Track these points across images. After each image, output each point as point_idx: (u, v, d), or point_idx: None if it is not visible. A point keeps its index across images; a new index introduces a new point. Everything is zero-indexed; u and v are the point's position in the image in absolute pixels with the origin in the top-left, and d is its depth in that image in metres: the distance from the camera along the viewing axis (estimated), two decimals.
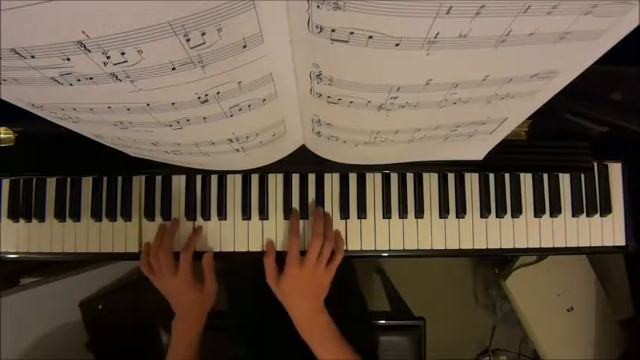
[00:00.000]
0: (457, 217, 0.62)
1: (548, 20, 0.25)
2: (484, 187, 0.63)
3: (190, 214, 0.62)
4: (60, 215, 0.62)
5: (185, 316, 0.58)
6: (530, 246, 0.63)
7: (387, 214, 0.62)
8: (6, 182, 0.63)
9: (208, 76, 0.31)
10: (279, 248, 0.61)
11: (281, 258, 0.59)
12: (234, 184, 0.63)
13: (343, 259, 0.59)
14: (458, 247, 0.62)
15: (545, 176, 0.63)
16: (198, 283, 0.59)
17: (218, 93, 0.34)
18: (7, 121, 0.58)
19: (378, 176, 0.63)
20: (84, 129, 0.42)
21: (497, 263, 1.34)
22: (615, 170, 0.64)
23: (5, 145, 0.59)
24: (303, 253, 0.57)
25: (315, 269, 0.55)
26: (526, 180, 0.63)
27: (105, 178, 0.63)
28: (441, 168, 0.61)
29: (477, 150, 0.54)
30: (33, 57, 0.27)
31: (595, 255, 1.22)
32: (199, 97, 0.34)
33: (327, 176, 0.63)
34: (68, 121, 0.39)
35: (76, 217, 0.62)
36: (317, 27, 0.27)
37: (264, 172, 0.62)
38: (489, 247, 0.62)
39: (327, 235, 0.58)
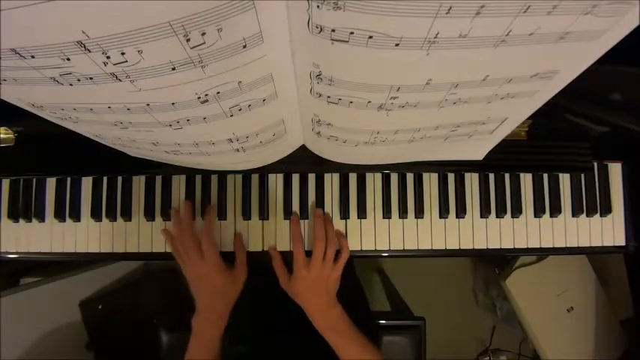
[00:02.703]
0: (457, 217, 0.62)
1: (548, 20, 0.25)
2: (484, 187, 0.63)
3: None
4: (60, 215, 0.62)
5: (208, 309, 0.56)
6: (530, 246, 0.63)
7: (387, 214, 0.62)
8: (6, 182, 0.63)
9: (208, 76, 0.31)
10: (281, 249, 0.61)
11: (284, 258, 0.60)
12: (235, 184, 0.63)
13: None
14: (458, 247, 0.62)
15: (545, 176, 0.63)
16: (228, 267, 0.58)
17: (218, 93, 0.34)
18: (7, 121, 0.58)
19: (378, 176, 0.63)
20: (84, 129, 0.42)
21: (497, 263, 1.34)
22: (615, 170, 0.64)
23: (5, 145, 0.59)
24: (307, 252, 0.58)
25: (322, 269, 0.56)
26: (526, 180, 0.63)
27: (105, 178, 0.63)
28: (441, 168, 0.61)
29: (477, 150, 0.54)
30: (33, 57, 0.27)
31: (595, 255, 1.22)
32: (199, 97, 0.34)
33: (327, 176, 0.63)
34: (68, 121, 0.39)
35: (76, 217, 0.62)
36: (317, 27, 0.27)
37: (264, 172, 0.62)
38: (489, 247, 0.62)
39: (330, 236, 0.58)
